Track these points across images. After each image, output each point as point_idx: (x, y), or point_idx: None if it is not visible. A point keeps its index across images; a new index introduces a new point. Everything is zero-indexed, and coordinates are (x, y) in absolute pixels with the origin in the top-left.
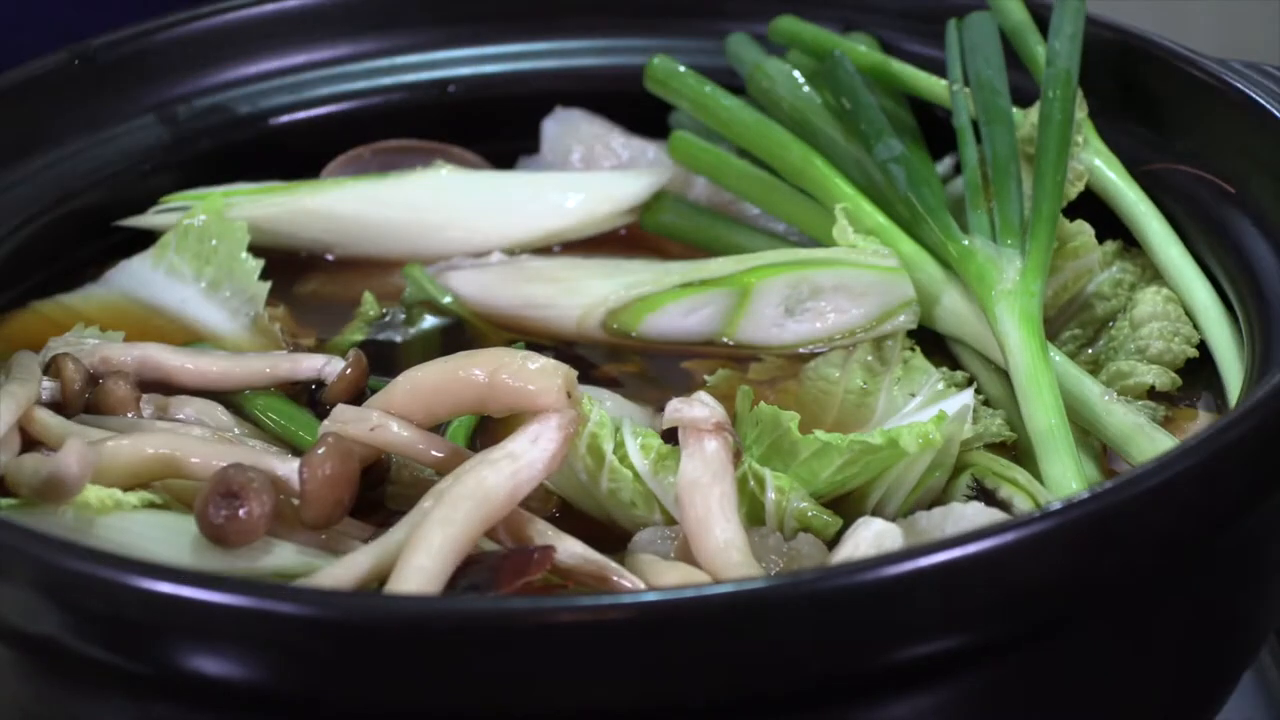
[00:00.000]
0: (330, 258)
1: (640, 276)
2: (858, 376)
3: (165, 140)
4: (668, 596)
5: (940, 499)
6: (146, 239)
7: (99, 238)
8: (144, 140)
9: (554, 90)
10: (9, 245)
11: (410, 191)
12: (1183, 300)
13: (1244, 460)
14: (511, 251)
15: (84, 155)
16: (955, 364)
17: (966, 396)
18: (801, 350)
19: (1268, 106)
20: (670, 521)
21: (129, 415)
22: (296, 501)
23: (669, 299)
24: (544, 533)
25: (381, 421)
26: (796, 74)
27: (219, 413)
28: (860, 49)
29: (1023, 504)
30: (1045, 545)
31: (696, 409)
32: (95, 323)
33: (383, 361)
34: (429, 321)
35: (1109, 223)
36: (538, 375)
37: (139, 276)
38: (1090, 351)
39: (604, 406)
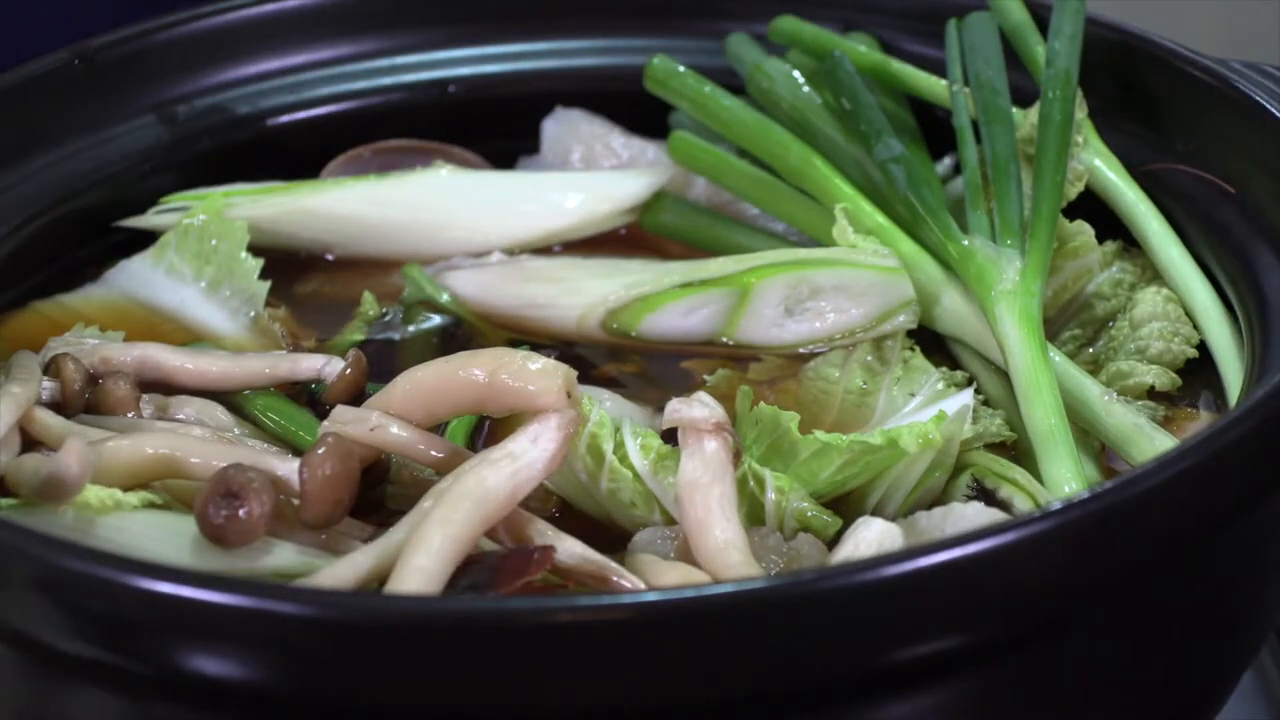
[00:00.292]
0: (330, 258)
1: (640, 276)
2: (857, 376)
3: (165, 140)
4: (668, 596)
5: (940, 499)
6: (146, 239)
7: (99, 238)
8: (144, 140)
9: (554, 90)
10: (9, 245)
11: (410, 192)
12: (1182, 300)
13: (1244, 460)
14: (511, 251)
15: (84, 155)
16: (955, 364)
17: (966, 396)
18: (801, 350)
19: (1268, 106)
20: (670, 522)
21: (129, 415)
22: (297, 502)
23: (668, 299)
24: (544, 533)
25: (381, 422)
26: (796, 74)
27: (219, 413)
28: (860, 49)
29: (1023, 504)
30: (1045, 545)
31: (696, 409)
32: (95, 323)
33: (383, 361)
34: (428, 321)
35: (1109, 223)
36: (538, 375)
37: (139, 276)
38: (1090, 351)
39: (604, 406)
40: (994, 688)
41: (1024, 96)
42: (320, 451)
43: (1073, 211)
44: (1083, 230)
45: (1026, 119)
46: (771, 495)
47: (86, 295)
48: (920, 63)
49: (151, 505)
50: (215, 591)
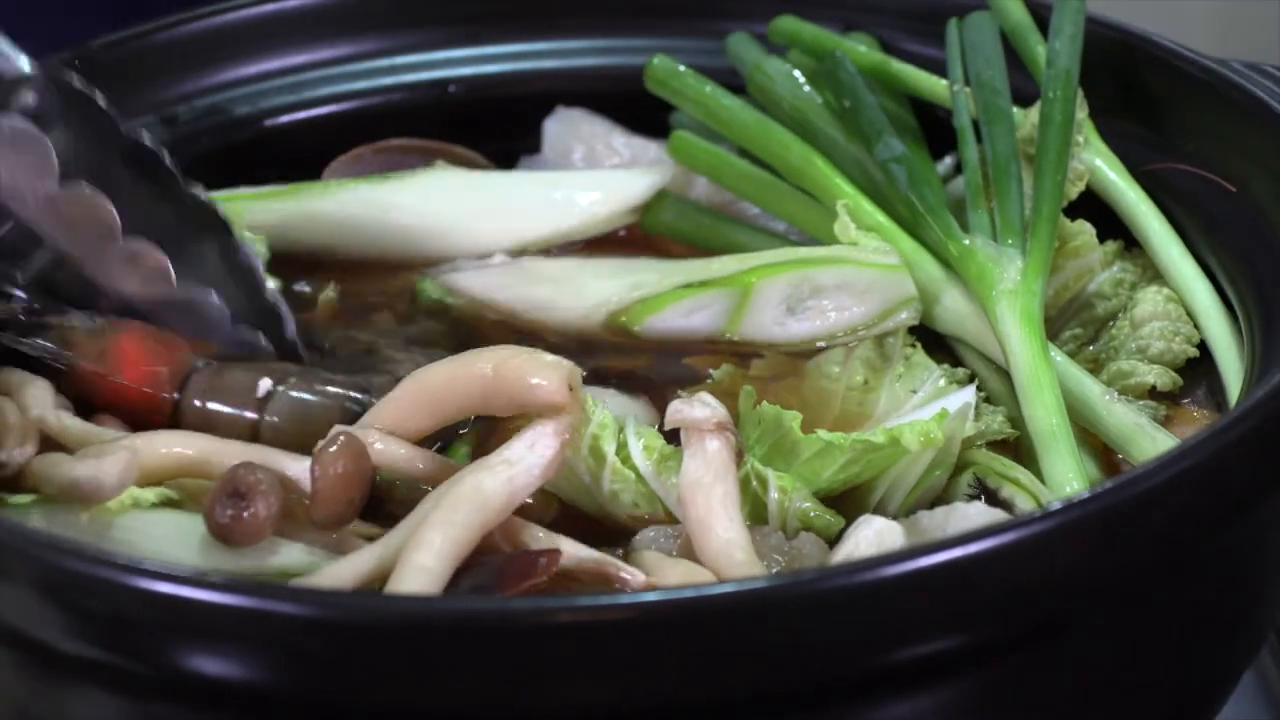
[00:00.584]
0: (337, 259)
1: (642, 277)
2: (859, 373)
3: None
4: (669, 596)
5: (942, 498)
6: None
7: None
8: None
9: (554, 90)
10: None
11: (412, 194)
12: (1183, 300)
13: (1244, 460)
14: (514, 252)
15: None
16: (956, 361)
17: (968, 393)
18: (804, 348)
19: (1268, 106)
20: (674, 522)
21: None
22: (309, 502)
23: (670, 300)
24: (538, 536)
25: (379, 441)
26: (797, 73)
27: None
28: (860, 49)
29: (1024, 504)
30: (1046, 545)
31: (698, 409)
32: None
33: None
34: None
35: (1110, 222)
36: (543, 368)
37: None
38: (1091, 350)
39: (607, 405)
40: (994, 688)
41: (1024, 97)
42: (332, 450)
43: (1074, 211)
44: (1084, 230)
45: (1027, 119)
46: (775, 495)
47: None
48: (920, 62)
49: (168, 501)
50: (215, 591)
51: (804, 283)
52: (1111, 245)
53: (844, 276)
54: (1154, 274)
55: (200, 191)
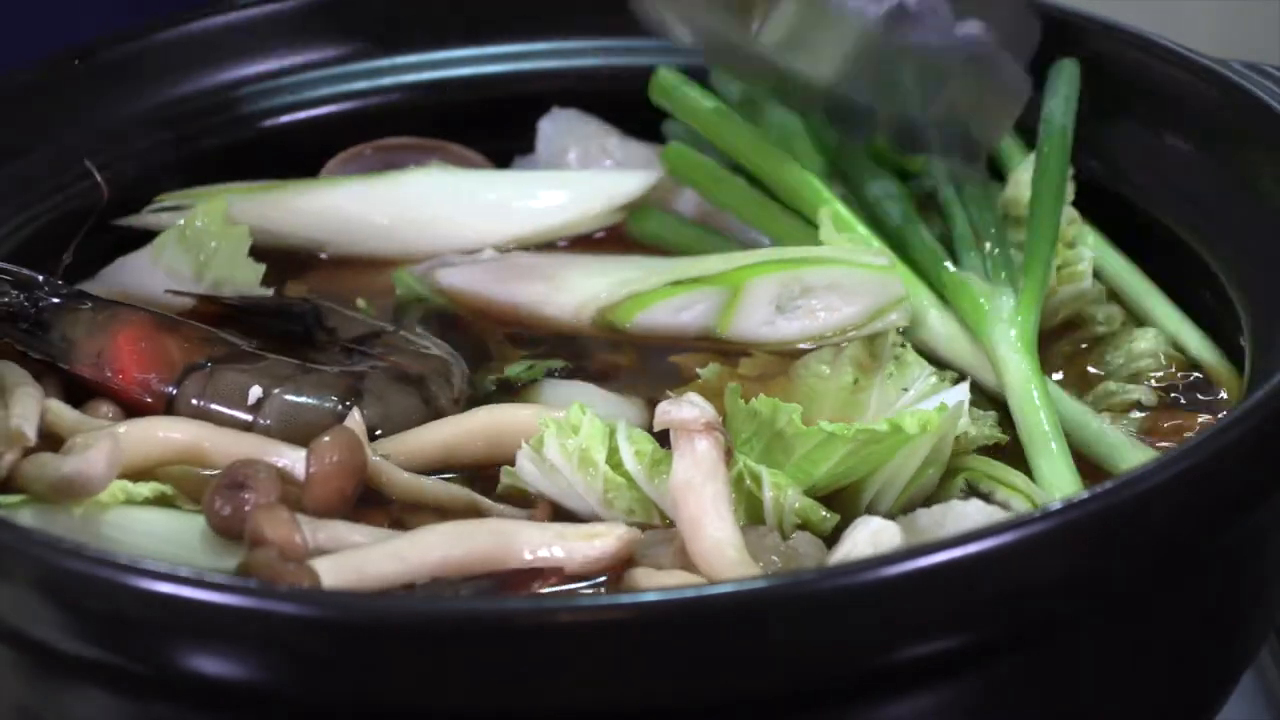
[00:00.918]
0: (324, 256)
1: (631, 274)
2: (849, 373)
3: (165, 140)
4: (669, 596)
5: (934, 499)
6: (147, 238)
7: (100, 237)
8: (144, 140)
9: (554, 90)
10: (9, 245)
11: (403, 190)
12: (1174, 338)
13: (1244, 460)
14: (504, 248)
15: (84, 155)
16: (944, 365)
17: (961, 390)
18: (794, 347)
19: (1268, 106)
20: (669, 526)
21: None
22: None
23: (660, 297)
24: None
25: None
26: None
27: None
28: None
29: (1020, 506)
30: (1046, 545)
31: (685, 410)
32: None
33: None
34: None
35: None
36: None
37: (136, 274)
38: (1082, 365)
39: (596, 406)
40: (994, 688)
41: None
42: (328, 440)
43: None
44: (1080, 257)
45: (1012, 180)
46: (769, 492)
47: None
48: None
49: (162, 497)
50: (215, 591)
51: (794, 282)
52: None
53: (834, 277)
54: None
55: None
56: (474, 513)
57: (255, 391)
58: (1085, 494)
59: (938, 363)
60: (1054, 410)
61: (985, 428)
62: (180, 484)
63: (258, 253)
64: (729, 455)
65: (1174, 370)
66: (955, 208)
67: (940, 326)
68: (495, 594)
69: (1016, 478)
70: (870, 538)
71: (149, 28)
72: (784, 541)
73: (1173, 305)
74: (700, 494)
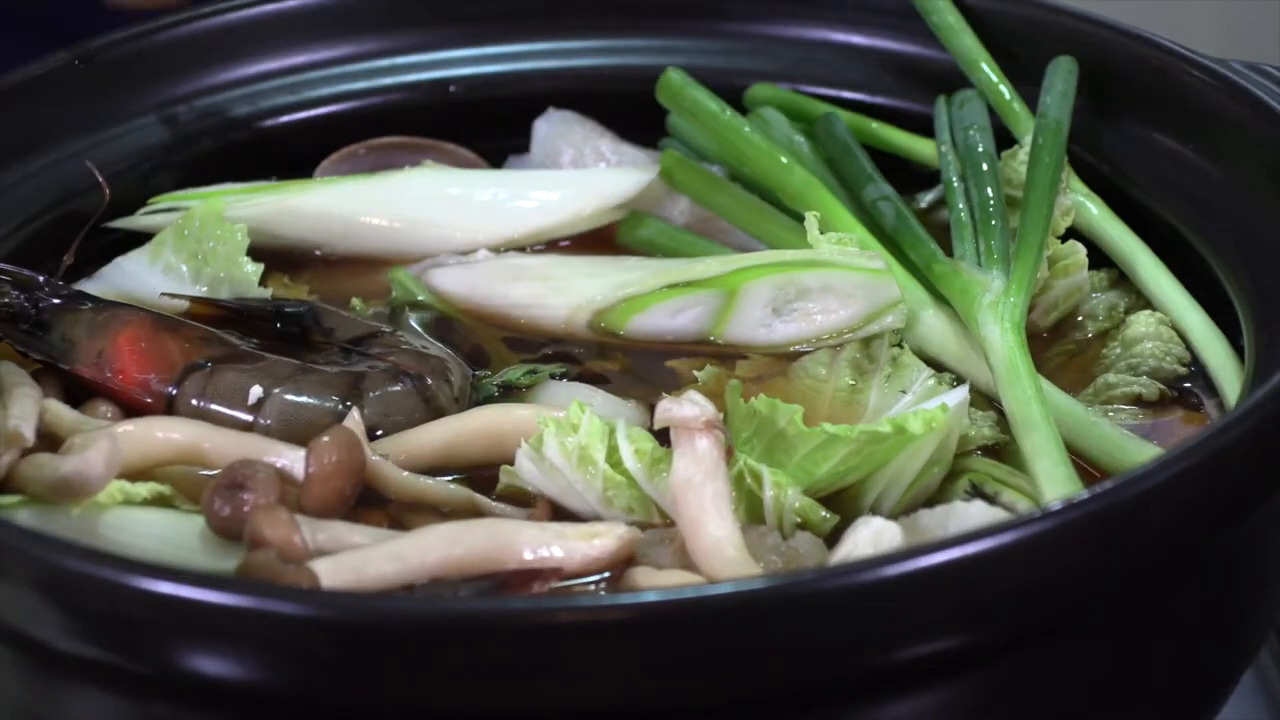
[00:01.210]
0: (319, 255)
1: (627, 276)
2: (846, 374)
3: (165, 140)
4: (669, 596)
5: (936, 500)
6: (145, 238)
7: (98, 238)
8: (144, 140)
9: (554, 90)
10: (9, 245)
11: (397, 190)
12: (1176, 325)
13: (1244, 460)
14: (498, 249)
15: (84, 155)
16: (938, 364)
17: (962, 391)
18: (790, 350)
19: (1268, 106)
20: (669, 524)
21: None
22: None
23: (655, 300)
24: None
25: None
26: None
27: None
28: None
29: (1025, 509)
30: (1046, 545)
31: (686, 408)
32: None
33: None
34: (417, 321)
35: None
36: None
37: (134, 275)
38: (1080, 363)
39: (594, 405)
40: (994, 688)
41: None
42: (326, 440)
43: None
44: (1075, 250)
45: (1008, 161)
46: (770, 491)
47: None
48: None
49: (160, 498)
50: (215, 591)
51: (789, 285)
52: (1105, 274)
53: (829, 280)
54: (1146, 302)
55: None
56: (474, 512)
57: (255, 391)
58: (1085, 494)
59: (932, 363)
60: (1040, 388)
61: (985, 428)
62: (179, 484)
63: (255, 252)
64: (729, 454)
65: (1174, 360)
66: (957, 195)
67: (934, 326)
68: (495, 594)
69: (1021, 479)
70: (872, 538)
71: (149, 28)
72: (784, 541)
73: (1177, 284)
74: (700, 492)
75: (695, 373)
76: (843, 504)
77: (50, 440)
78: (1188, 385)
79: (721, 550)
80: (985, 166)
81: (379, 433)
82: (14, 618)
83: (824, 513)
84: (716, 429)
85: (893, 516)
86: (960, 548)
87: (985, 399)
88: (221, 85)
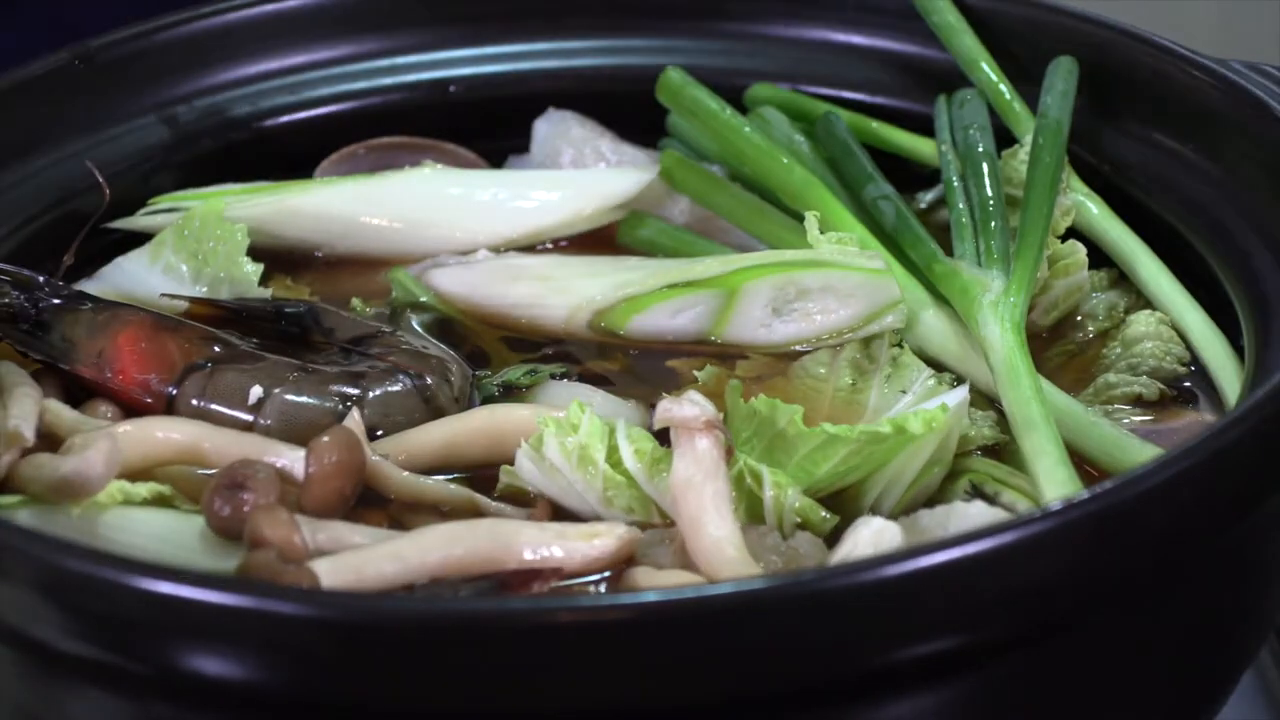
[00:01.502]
0: (319, 255)
1: (627, 276)
2: (846, 374)
3: (165, 140)
4: (669, 596)
5: (936, 500)
6: (146, 238)
7: (98, 238)
8: (144, 140)
9: (554, 90)
10: (9, 245)
11: (396, 190)
12: (1176, 325)
13: (1244, 460)
14: (498, 249)
15: (84, 155)
16: (938, 364)
17: (962, 391)
18: (791, 350)
19: (1268, 106)
20: (669, 524)
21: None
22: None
23: (656, 300)
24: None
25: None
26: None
27: None
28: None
29: (1026, 509)
30: (1045, 545)
31: (687, 408)
32: None
33: None
34: (417, 321)
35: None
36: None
37: (134, 275)
38: (1080, 363)
39: (594, 405)
40: (994, 688)
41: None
42: (326, 440)
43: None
44: (1075, 250)
45: (1008, 160)
46: (770, 491)
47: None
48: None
49: (160, 498)
50: (215, 591)
51: (789, 285)
52: (1105, 273)
53: (829, 280)
54: (1146, 302)
55: None
56: (474, 512)
57: (256, 391)
58: (1085, 494)
59: (932, 363)
60: (1040, 388)
61: (985, 428)
62: (179, 484)
63: (255, 253)
64: (729, 454)
65: (1175, 360)
66: (957, 195)
67: (935, 326)
68: (495, 595)
69: (1022, 480)
70: (872, 538)
71: (149, 28)
72: (784, 541)
73: (1178, 283)
74: (700, 492)
75: (695, 373)
76: (843, 504)
77: (50, 440)
78: (1188, 385)
79: (721, 550)
80: (985, 166)
81: (379, 433)
82: (14, 618)
83: (824, 513)
84: (716, 429)
85: (893, 516)
86: (960, 548)
87: (985, 399)
88: (221, 85)
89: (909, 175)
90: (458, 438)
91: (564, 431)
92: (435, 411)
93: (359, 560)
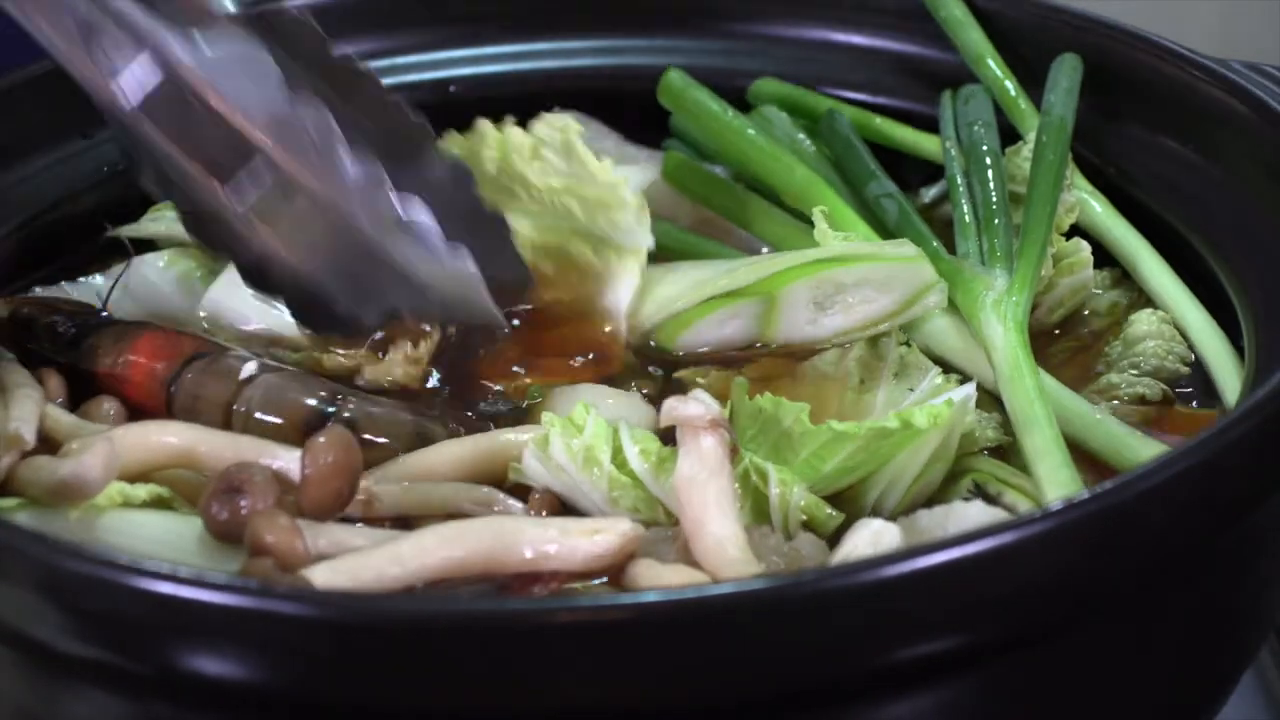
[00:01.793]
0: None
1: (664, 291)
2: (855, 373)
3: None
4: (669, 597)
5: (938, 499)
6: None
7: (98, 238)
8: None
9: (554, 90)
10: (9, 245)
11: None
12: (1178, 324)
13: (1244, 460)
14: None
15: (84, 155)
16: (943, 363)
17: (969, 388)
18: (846, 339)
19: (1268, 106)
20: (675, 523)
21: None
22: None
23: (698, 315)
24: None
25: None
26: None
27: None
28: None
29: (1028, 509)
30: (1045, 545)
31: (691, 406)
32: None
33: None
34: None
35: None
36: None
37: (150, 275)
38: (1082, 362)
39: (605, 405)
40: (994, 688)
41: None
42: (323, 440)
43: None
44: (1080, 248)
45: (1012, 157)
46: (775, 489)
47: (86, 288)
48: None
49: (159, 500)
50: (215, 591)
51: (826, 283)
52: (1108, 272)
53: (864, 273)
54: (1148, 300)
55: (409, 109)
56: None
57: (249, 368)
58: (1085, 494)
59: (939, 361)
60: (1042, 387)
61: (989, 429)
62: (178, 486)
63: None
64: (734, 452)
65: (1177, 359)
66: (961, 192)
67: (940, 324)
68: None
69: (1024, 481)
70: (871, 539)
71: None
72: (786, 543)
73: (1180, 283)
74: (704, 490)
75: (699, 380)
76: (846, 504)
77: (50, 443)
78: (1189, 384)
79: (724, 549)
80: (989, 163)
81: (365, 436)
82: (14, 618)
83: (829, 510)
84: (721, 427)
85: (894, 515)
86: (960, 548)
87: (992, 400)
88: None
89: (911, 169)
90: (463, 462)
91: (569, 433)
92: (420, 428)
93: (357, 565)
